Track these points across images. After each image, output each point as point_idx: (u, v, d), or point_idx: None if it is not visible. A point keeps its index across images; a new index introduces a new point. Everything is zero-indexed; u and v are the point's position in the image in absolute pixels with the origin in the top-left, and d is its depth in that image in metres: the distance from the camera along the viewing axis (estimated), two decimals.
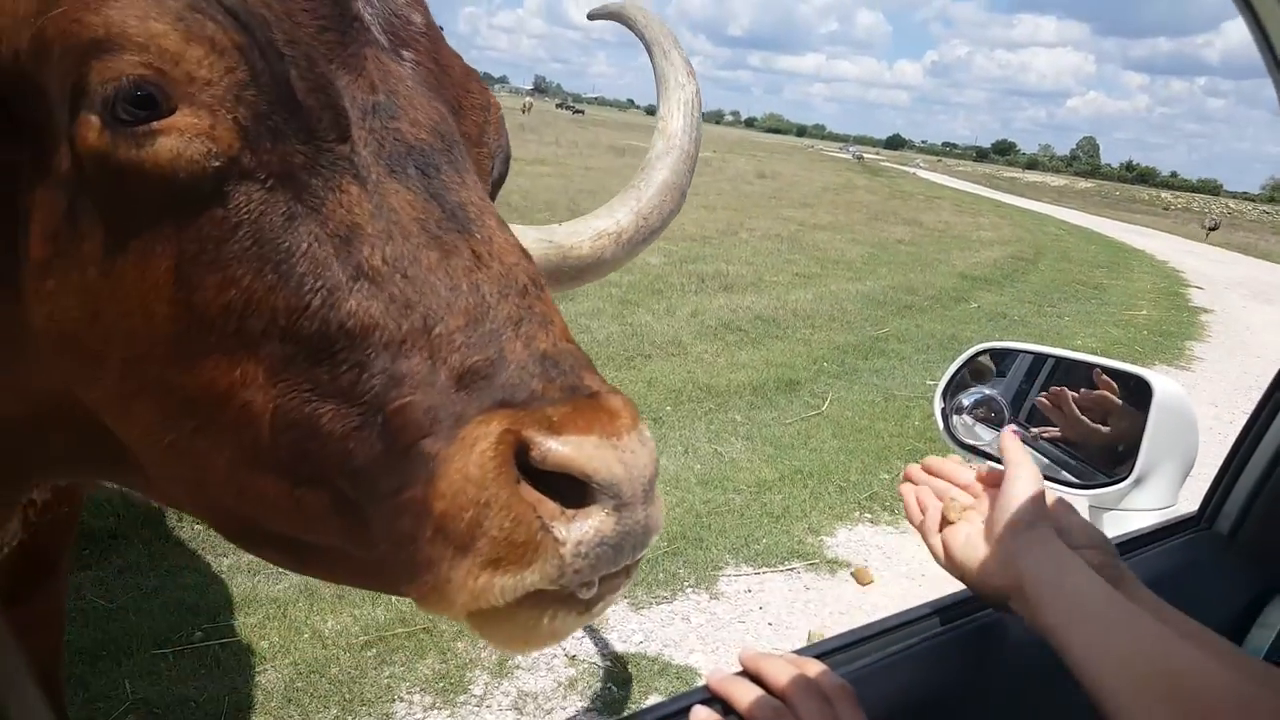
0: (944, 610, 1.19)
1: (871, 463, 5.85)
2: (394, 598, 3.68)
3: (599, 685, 3.37)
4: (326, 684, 3.19)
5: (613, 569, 0.81)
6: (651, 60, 1.57)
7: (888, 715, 0.96)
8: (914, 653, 1.06)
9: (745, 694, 0.89)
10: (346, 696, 3.15)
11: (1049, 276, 16.07)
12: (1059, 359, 2.10)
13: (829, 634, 1.07)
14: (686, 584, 4.15)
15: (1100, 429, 1.98)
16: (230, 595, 3.60)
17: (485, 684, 3.31)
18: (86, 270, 0.89)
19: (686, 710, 0.90)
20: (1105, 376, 1.97)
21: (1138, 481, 1.80)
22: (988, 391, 2.03)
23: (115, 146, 0.83)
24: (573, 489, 0.79)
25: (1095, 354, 2.02)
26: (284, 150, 0.86)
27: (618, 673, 3.44)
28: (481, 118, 1.08)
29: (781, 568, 4.39)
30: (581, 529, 0.78)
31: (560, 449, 0.78)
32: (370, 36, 0.94)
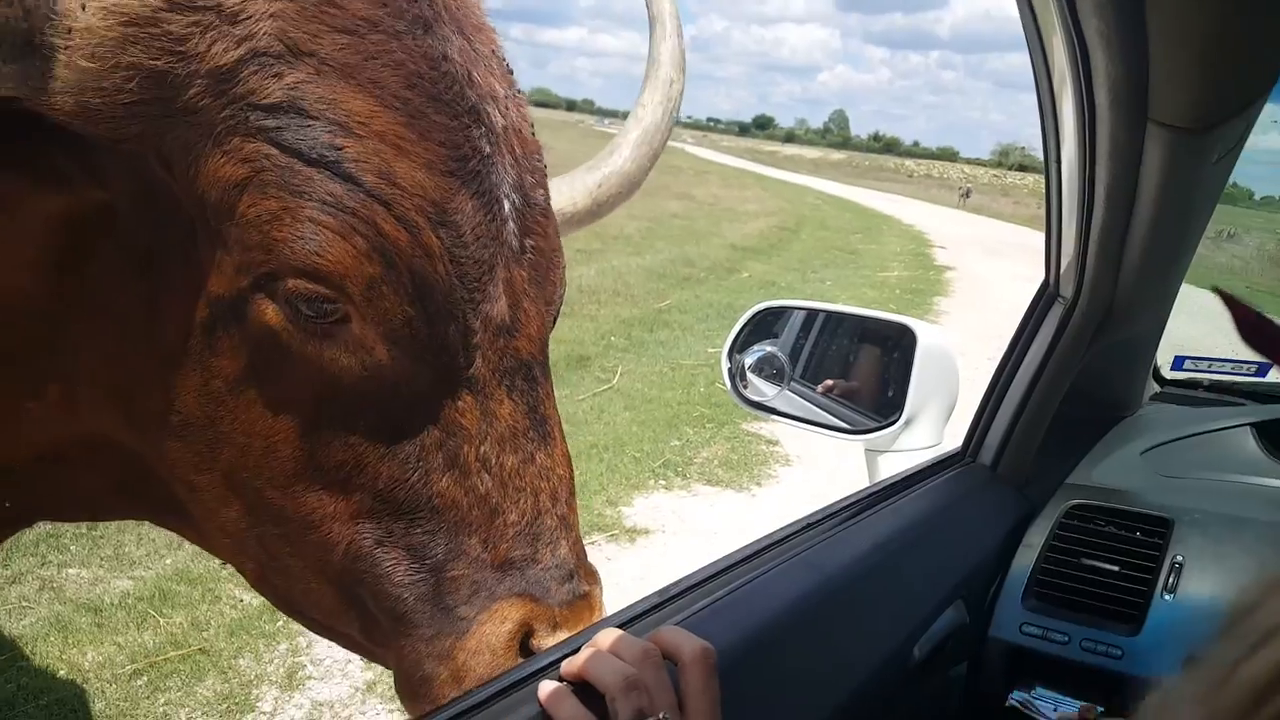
0: (776, 545, 1.24)
1: (662, 431, 5.96)
2: (162, 619, 3.37)
3: None
4: None
5: None
6: (650, 37, 1.48)
7: (740, 641, 0.99)
8: (754, 585, 1.10)
9: (598, 664, 0.83)
10: None
11: (810, 245, 17.03)
12: (830, 313, 2.19)
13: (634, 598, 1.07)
14: None
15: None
16: None
17: (275, 699, 3.09)
18: (212, 381, 1.00)
19: (529, 680, 0.86)
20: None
21: (907, 423, 1.91)
22: (769, 349, 2.09)
23: (286, 329, 0.95)
24: None
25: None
26: (422, 370, 0.98)
27: None
28: (560, 282, 1.16)
29: (588, 541, 4.38)
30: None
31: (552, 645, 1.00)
32: (511, 253, 1.04)
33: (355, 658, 3.29)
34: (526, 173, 1.08)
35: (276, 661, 3.27)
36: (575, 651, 0.87)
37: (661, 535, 4.59)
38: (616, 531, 4.54)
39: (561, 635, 1.02)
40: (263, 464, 1.01)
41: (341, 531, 1.02)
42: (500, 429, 1.02)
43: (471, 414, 1.01)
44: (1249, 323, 0.48)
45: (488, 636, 1.00)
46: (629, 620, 0.99)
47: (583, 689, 0.82)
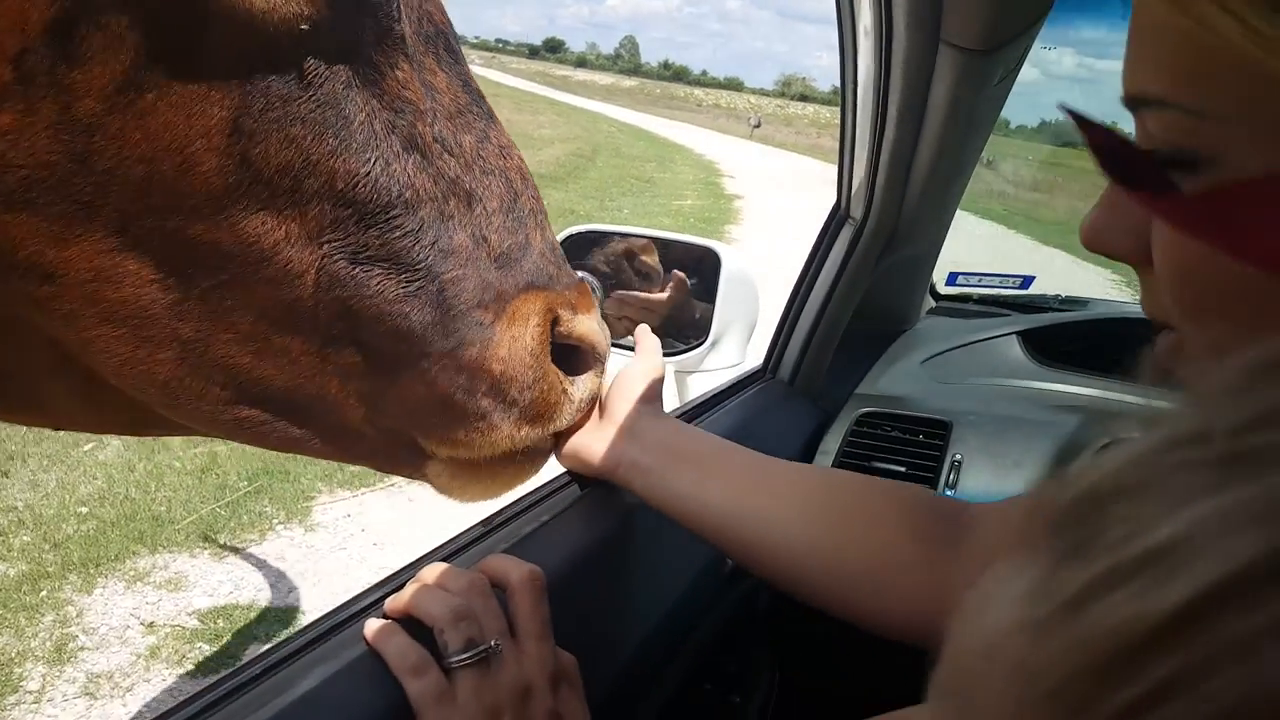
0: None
1: None
2: None
3: (187, 648, 3.01)
4: None
5: None
6: None
7: (566, 562, 1.00)
8: (577, 507, 1.10)
9: (424, 598, 0.82)
10: None
11: (606, 173, 17.05)
12: (637, 237, 2.18)
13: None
14: (276, 521, 3.84)
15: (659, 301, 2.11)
16: None
17: (42, 675, 2.82)
18: (77, 104, 0.73)
19: (351, 621, 0.83)
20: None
21: (714, 344, 1.95)
22: (579, 275, 2.05)
23: None
24: (566, 354, 0.99)
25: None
26: (361, 21, 0.82)
27: (207, 630, 3.11)
28: None
29: (380, 485, 4.24)
30: (582, 388, 1.01)
31: (581, 327, 0.99)
32: None
33: (134, 623, 3.06)
34: None
35: (42, 635, 2.98)
36: (400, 589, 0.84)
37: None
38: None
39: (582, 319, 0.98)
40: (179, 192, 0.78)
41: (304, 256, 0.83)
42: (445, 104, 0.91)
43: (413, 86, 0.87)
44: (1098, 142, 0.43)
45: (520, 339, 0.93)
46: (453, 553, 0.97)
47: (410, 624, 0.81)
